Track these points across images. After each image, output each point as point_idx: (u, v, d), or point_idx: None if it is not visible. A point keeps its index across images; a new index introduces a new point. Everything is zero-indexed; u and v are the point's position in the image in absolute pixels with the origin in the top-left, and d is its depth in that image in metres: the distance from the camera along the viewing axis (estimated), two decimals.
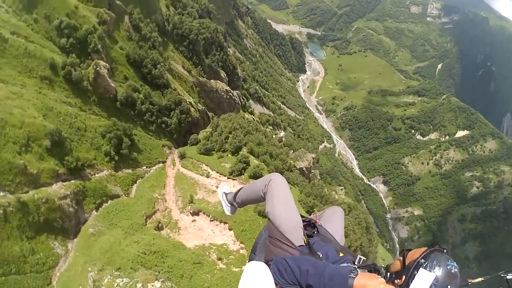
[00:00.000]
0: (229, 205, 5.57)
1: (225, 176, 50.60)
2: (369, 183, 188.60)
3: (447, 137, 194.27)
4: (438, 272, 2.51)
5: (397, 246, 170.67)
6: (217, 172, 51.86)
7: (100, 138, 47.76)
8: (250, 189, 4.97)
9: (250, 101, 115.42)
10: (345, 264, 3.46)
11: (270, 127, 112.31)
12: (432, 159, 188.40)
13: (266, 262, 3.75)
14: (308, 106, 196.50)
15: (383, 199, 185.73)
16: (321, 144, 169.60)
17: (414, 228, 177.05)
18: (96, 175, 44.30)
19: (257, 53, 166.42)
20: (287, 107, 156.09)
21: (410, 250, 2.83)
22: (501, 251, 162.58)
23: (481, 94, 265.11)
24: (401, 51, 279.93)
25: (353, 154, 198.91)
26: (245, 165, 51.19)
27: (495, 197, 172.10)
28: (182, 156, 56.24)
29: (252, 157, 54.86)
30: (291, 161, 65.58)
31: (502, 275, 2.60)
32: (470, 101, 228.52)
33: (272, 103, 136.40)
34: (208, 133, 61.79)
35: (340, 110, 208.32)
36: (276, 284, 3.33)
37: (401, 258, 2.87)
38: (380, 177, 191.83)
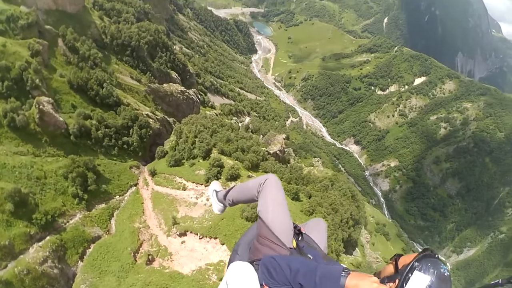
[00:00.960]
0: (220, 204, 5.45)
1: (201, 184, 48.75)
2: (341, 146, 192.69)
3: (406, 86, 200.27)
4: (432, 275, 2.48)
5: (382, 199, 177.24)
6: (193, 182, 49.92)
7: (63, 181, 44.68)
8: (243, 189, 4.85)
9: (208, 95, 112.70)
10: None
11: (235, 118, 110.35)
12: (396, 111, 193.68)
13: (251, 262, 3.62)
14: (266, 85, 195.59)
15: (359, 159, 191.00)
16: (287, 120, 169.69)
17: (394, 179, 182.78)
18: (70, 222, 41.89)
19: (204, 43, 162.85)
20: (246, 91, 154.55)
21: (401, 255, 2.77)
22: (480, 182, 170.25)
23: (431, 39, 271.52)
24: (345, 12, 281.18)
25: (320, 122, 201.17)
26: (219, 168, 49.56)
27: (463, 133, 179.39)
28: (153, 173, 53.87)
29: (225, 157, 53.30)
30: (264, 149, 64.33)
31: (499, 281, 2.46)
32: (421, 47, 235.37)
33: (230, 91, 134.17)
34: (173, 142, 59.54)
35: (299, 82, 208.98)
36: (261, 285, 3.22)
37: (393, 262, 2.80)
38: (351, 139, 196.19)
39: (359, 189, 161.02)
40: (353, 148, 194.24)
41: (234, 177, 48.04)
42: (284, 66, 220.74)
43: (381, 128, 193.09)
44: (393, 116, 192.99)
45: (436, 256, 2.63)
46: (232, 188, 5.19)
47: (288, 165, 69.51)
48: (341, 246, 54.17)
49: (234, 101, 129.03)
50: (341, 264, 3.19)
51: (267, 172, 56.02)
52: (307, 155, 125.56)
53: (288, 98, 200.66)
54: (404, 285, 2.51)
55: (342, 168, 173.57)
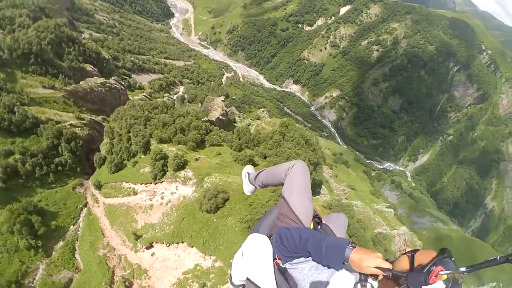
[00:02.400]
0: (251, 185, 5.63)
1: (151, 183, 45.35)
2: (282, 89, 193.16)
3: (333, 17, 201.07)
4: (448, 280, 2.43)
5: (332, 129, 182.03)
6: (141, 183, 46.30)
7: (10, 238, 39.68)
8: (272, 172, 4.98)
9: (133, 76, 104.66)
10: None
11: (166, 94, 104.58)
12: (327, 43, 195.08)
13: (268, 237, 3.73)
14: (192, 48, 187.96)
15: (301, 97, 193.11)
16: (222, 78, 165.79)
17: (339, 108, 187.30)
18: (36, 278, 37.98)
19: (115, 22, 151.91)
20: (172, 59, 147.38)
21: (417, 250, 2.69)
22: (419, 94, 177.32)
23: None
24: None
25: (256, 71, 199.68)
26: (163, 160, 45.99)
27: (395, 52, 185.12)
28: (98, 186, 49.23)
29: (165, 146, 49.64)
30: (205, 121, 61.06)
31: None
32: None
33: (156, 65, 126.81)
34: (108, 144, 54.63)
35: (224, 36, 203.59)
36: (274, 259, 3.43)
37: (407, 257, 2.70)
38: (290, 79, 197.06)
39: (309, 126, 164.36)
40: (294, 88, 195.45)
41: (182, 166, 45.08)
42: (206, 23, 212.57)
43: (316, 62, 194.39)
44: (325, 49, 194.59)
45: (453, 259, 2.51)
46: (262, 170, 5.34)
47: (235, 129, 66.78)
48: None
49: (162, 74, 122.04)
50: (348, 239, 3.11)
51: (214, 146, 54.26)
52: (251, 107, 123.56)
53: (218, 55, 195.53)
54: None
55: (288, 110, 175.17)
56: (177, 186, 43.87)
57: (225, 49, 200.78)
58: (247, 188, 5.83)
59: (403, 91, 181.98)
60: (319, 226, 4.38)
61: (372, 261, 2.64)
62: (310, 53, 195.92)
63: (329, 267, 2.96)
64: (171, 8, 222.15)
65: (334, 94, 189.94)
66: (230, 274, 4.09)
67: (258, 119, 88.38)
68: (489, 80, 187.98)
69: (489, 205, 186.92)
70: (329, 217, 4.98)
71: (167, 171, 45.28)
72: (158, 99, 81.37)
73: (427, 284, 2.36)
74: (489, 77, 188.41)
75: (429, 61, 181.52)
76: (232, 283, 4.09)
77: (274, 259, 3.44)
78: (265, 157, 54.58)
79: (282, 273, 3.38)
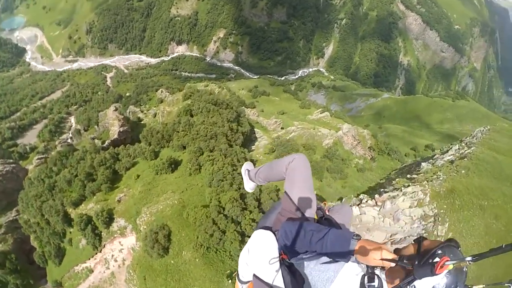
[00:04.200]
0: (251, 182, 5.55)
1: (96, 253, 41.83)
2: (170, 57, 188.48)
3: None
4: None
5: (236, 67, 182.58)
6: (90, 258, 42.58)
7: None
8: (272, 167, 4.82)
9: (19, 141, 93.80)
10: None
11: (61, 138, 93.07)
12: None
13: (273, 232, 3.77)
14: (61, 70, 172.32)
15: (190, 53, 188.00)
16: (106, 81, 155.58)
17: (232, 45, 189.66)
18: None
19: None
20: (48, 95, 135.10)
21: (425, 239, 2.74)
22: None
23: None
24: None
25: (136, 54, 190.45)
26: (90, 224, 42.21)
27: None
28: (59, 284, 44.76)
29: (82, 206, 45.42)
30: (107, 146, 55.25)
31: (506, 284, 2.37)
32: None
33: (34, 112, 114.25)
34: (35, 238, 48.50)
35: (86, 38, 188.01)
36: (280, 254, 3.41)
37: (415, 244, 2.75)
38: (172, 43, 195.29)
39: (213, 76, 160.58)
40: (181, 49, 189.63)
41: (109, 219, 41.72)
42: (61, 38, 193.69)
43: (188, 14, 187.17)
44: None
45: (459, 249, 2.55)
46: (262, 166, 5.19)
47: (141, 134, 59.89)
48: (244, 153, 51.34)
49: (46, 118, 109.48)
50: (353, 231, 3.07)
51: (130, 169, 50.13)
52: (149, 93, 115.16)
53: (90, 61, 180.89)
54: (422, 264, 2.49)
55: (187, 73, 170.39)
56: (120, 241, 40.95)
57: (93, 51, 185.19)
58: (248, 186, 5.66)
59: (282, 1, 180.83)
60: (323, 218, 4.26)
61: (377, 253, 2.60)
62: (177, 8, 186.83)
63: (335, 261, 2.99)
64: (19, 45, 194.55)
65: (221, 35, 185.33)
66: (237, 272, 3.97)
67: (161, 101, 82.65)
68: None
69: (404, 61, 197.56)
70: (332, 208, 4.92)
71: (101, 232, 42.05)
72: (53, 153, 72.30)
73: (433, 274, 2.37)
74: None
75: None
76: (240, 281, 3.94)
77: (280, 254, 3.41)
78: (184, 147, 50.67)
79: (288, 268, 3.30)
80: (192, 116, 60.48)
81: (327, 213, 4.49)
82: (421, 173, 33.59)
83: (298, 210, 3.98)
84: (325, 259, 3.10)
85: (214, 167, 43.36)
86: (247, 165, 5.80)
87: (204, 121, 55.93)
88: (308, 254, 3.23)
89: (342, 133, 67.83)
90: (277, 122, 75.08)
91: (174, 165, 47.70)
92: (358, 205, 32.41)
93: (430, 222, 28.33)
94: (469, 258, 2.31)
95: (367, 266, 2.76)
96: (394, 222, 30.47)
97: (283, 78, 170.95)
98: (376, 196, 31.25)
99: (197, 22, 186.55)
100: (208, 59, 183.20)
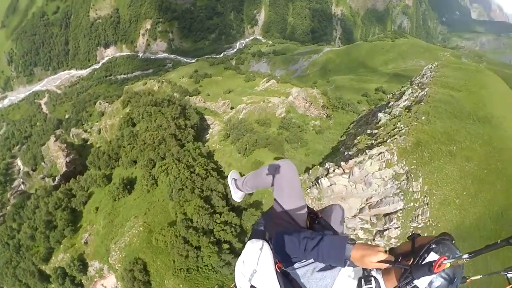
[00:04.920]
0: (239, 191, 5.37)
1: None
2: (101, 63, 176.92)
3: None
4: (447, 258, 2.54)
5: (171, 56, 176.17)
6: None
7: None
8: (259, 175, 4.67)
9: None
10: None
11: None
12: None
13: (266, 241, 3.72)
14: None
15: (122, 53, 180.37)
16: (41, 109, 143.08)
17: (161, 34, 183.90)
18: None
19: None
20: None
21: (419, 235, 2.78)
22: None
23: None
24: None
25: (65, 70, 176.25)
26: (66, 277, 39.45)
27: None
28: None
29: (53, 260, 42.88)
30: (57, 184, 50.95)
31: (502, 273, 2.48)
32: None
33: None
34: None
35: (9, 69, 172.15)
36: (276, 263, 3.38)
37: (409, 240, 2.79)
38: (100, 48, 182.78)
39: (150, 71, 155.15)
40: (110, 52, 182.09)
41: (83, 265, 39.26)
42: None
43: (109, 13, 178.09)
44: None
45: (454, 242, 2.57)
46: (248, 175, 5.07)
47: (89, 157, 55.59)
48: (199, 147, 48.62)
49: None
50: (347, 236, 3.03)
51: (86, 203, 46.94)
52: (88, 109, 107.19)
53: (19, 92, 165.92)
54: (419, 263, 2.50)
55: (123, 76, 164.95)
56: (102, 284, 38.92)
57: (20, 80, 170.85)
58: (236, 195, 5.40)
59: None
60: (316, 221, 4.24)
61: (374, 257, 2.60)
62: (96, 10, 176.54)
63: (331, 266, 2.98)
64: None
65: (148, 26, 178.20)
66: (234, 284, 3.81)
67: (103, 114, 77.74)
68: None
69: (337, 12, 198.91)
70: (324, 210, 4.67)
71: (81, 280, 39.65)
72: (9, 208, 66.33)
73: (432, 273, 2.37)
74: None
75: None
76: None
77: (276, 263, 3.37)
78: (134, 162, 47.44)
79: (285, 277, 3.30)
80: (134, 125, 56.84)
81: (319, 216, 4.36)
82: (380, 126, 32.25)
83: (290, 217, 3.90)
84: (321, 265, 3.04)
85: (170, 176, 40.83)
86: (233, 174, 5.60)
87: (148, 127, 52.34)
88: (304, 262, 3.14)
89: (292, 98, 66.74)
90: (225, 103, 72.62)
91: (129, 185, 45.13)
92: (326, 175, 30.87)
93: (403, 180, 27.01)
94: (465, 256, 2.33)
95: (363, 269, 2.75)
96: (366, 187, 29.08)
97: (221, 55, 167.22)
98: (342, 163, 29.69)
99: (119, 20, 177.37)
100: (140, 55, 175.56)
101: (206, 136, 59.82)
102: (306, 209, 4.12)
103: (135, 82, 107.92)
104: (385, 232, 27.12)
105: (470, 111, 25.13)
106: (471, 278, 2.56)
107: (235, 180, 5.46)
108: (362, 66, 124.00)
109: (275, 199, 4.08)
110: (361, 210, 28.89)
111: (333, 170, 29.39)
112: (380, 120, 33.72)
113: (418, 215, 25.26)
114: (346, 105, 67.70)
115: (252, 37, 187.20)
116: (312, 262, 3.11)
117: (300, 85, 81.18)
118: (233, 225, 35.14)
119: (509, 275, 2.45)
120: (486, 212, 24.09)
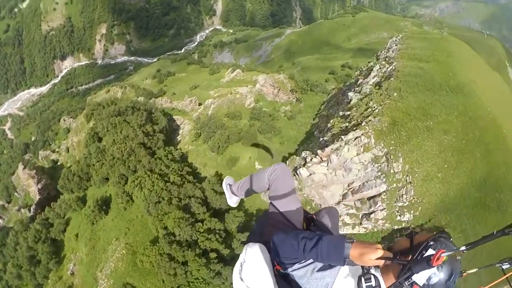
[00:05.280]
0: (234, 196, 5.34)
1: None
2: (59, 77, 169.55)
3: None
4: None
5: (132, 58, 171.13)
6: None
7: None
8: (254, 179, 4.74)
9: None
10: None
11: None
12: None
13: (264, 243, 3.64)
14: None
15: (80, 63, 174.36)
16: (6, 135, 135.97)
17: (118, 37, 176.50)
18: None
19: None
20: None
21: (417, 233, 2.80)
22: None
23: None
24: None
25: (23, 91, 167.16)
26: None
27: None
28: None
29: None
30: (33, 215, 48.52)
31: (497, 265, 2.54)
32: None
33: None
34: None
35: None
36: (274, 266, 3.35)
37: (407, 238, 2.83)
38: (57, 61, 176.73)
39: (112, 77, 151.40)
40: (67, 64, 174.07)
41: None
42: None
43: (61, 23, 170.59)
44: (56, 4, 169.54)
45: (451, 240, 2.60)
46: (243, 180, 5.01)
47: (60, 180, 53.30)
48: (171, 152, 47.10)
49: None
50: (345, 235, 2.96)
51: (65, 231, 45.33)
52: (53, 128, 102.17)
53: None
54: (418, 259, 2.53)
55: (85, 86, 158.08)
56: None
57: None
58: (231, 201, 5.38)
59: None
60: (312, 224, 4.26)
61: (372, 254, 2.59)
62: (47, 22, 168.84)
63: (330, 266, 2.96)
64: None
65: (104, 31, 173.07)
66: None
67: (69, 131, 74.83)
68: None
69: None
70: (319, 213, 4.73)
71: None
72: None
73: (430, 266, 2.39)
74: None
75: None
76: None
77: (274, 265, 3.33)
78: (107, 179, 45.49)
79: (284, 279, 3.28)
80: (100, 139, 54.55)
81: (315, 218, 4.39)
82: (352, 107, 31.36)
83: (286, 219, 3.90)
84: (320, 265, 3.02)
85: (144, 190, 39.07)
86: (228, 180, 5.49)
87: (114, 140, 49.95)
88: (303, 263, 3.12)
89: (259, 85, 65.79)
90: (192, 100, 70.89)
91: (104, 205, 43.44)
92: (304, 165, 29.90)
93: (383, 162, 26.16)
94: (463, 248, 2.38)
95: (362, 266, 2.76)
96: (347, 173, 28.15)
97: (183, 50, 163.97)
98: (319, 151, 28.66)
99: (73, 28, 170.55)
100: (100, 62, 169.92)
101: (177, 137, 58.17)
102: (302, 211, 4.12)
103: (97, 91, 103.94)
104: (372, 215, 26.54)
105: (442, 82, 24.43)
106: (467, 271, 2.57)
107: (230, 185, 5.40)
108: (326, 45, 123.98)
109: (271, 202, 4.12)
110: (344, 196, 28.17)
111: (311, 159, 28.44)
112: (351, 100, 32.83)
113: (402, 194, 24.68)
114: (314, 86, 67.02)
115: (212, 28, 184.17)
116: (312, 263, 3.06)
117: (266, 71, 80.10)
118: (217, 231, 34.06)
119: (504, 267, 2.48)
120: (469, 181, 23.70)
